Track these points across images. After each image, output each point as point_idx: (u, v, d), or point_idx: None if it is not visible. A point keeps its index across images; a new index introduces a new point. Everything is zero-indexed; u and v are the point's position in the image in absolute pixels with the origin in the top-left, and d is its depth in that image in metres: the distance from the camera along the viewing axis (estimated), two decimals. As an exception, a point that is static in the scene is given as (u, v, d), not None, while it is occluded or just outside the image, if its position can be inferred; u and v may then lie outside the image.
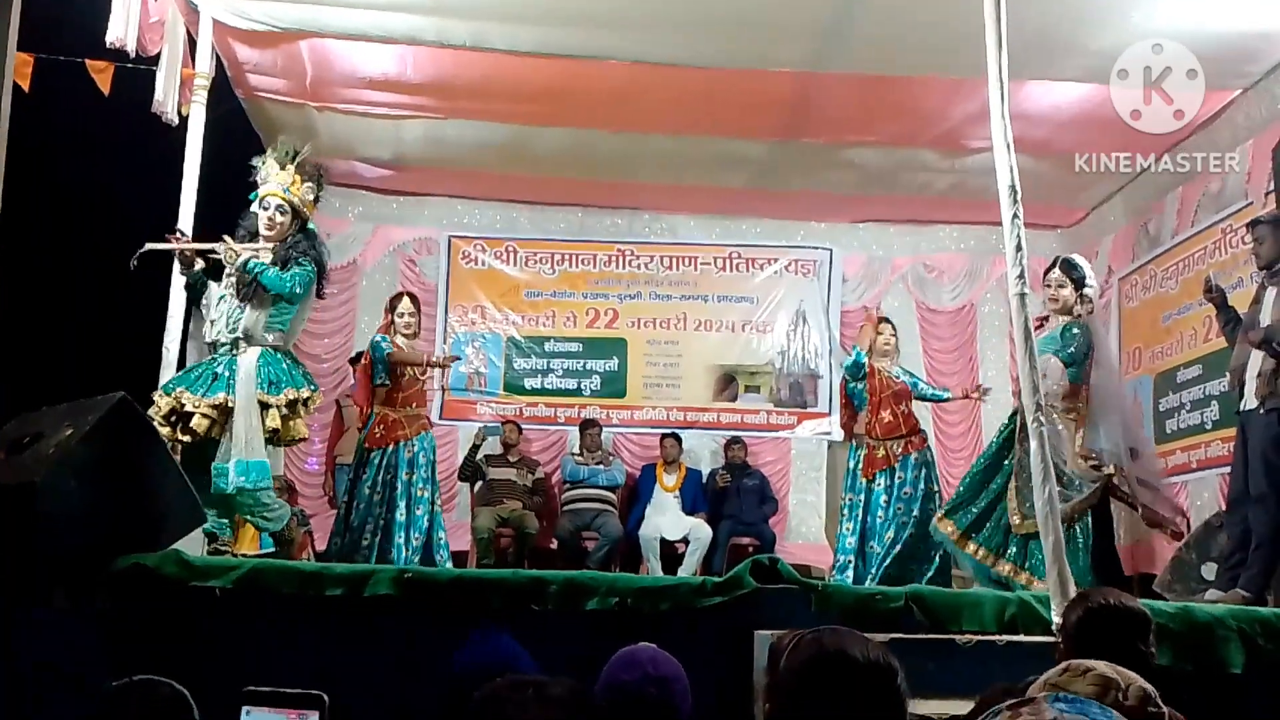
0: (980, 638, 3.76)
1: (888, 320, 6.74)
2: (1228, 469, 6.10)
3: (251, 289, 4.93)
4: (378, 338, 6.12)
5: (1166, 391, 7.35)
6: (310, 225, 5.19)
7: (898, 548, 6.03)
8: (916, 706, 2.60)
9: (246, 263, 4.94)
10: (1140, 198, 7.85)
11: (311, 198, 5.18)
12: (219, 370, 4.88)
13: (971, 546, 5.28)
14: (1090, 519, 5.22)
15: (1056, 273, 5.54)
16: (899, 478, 6.20)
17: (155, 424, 4.52)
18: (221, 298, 5.01)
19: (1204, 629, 3.85)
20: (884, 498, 6.19)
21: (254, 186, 5.17)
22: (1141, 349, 7.80)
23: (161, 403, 4.81)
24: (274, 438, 4.91)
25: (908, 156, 7.80)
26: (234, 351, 4.92)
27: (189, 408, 4.76)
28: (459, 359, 8.22)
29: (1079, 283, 5.48)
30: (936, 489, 6.30)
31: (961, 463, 8.73)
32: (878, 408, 6.36)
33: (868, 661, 1.63)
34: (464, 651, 2.50)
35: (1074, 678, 1.74)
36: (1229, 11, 5.68)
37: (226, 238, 5.03)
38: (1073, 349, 5.33)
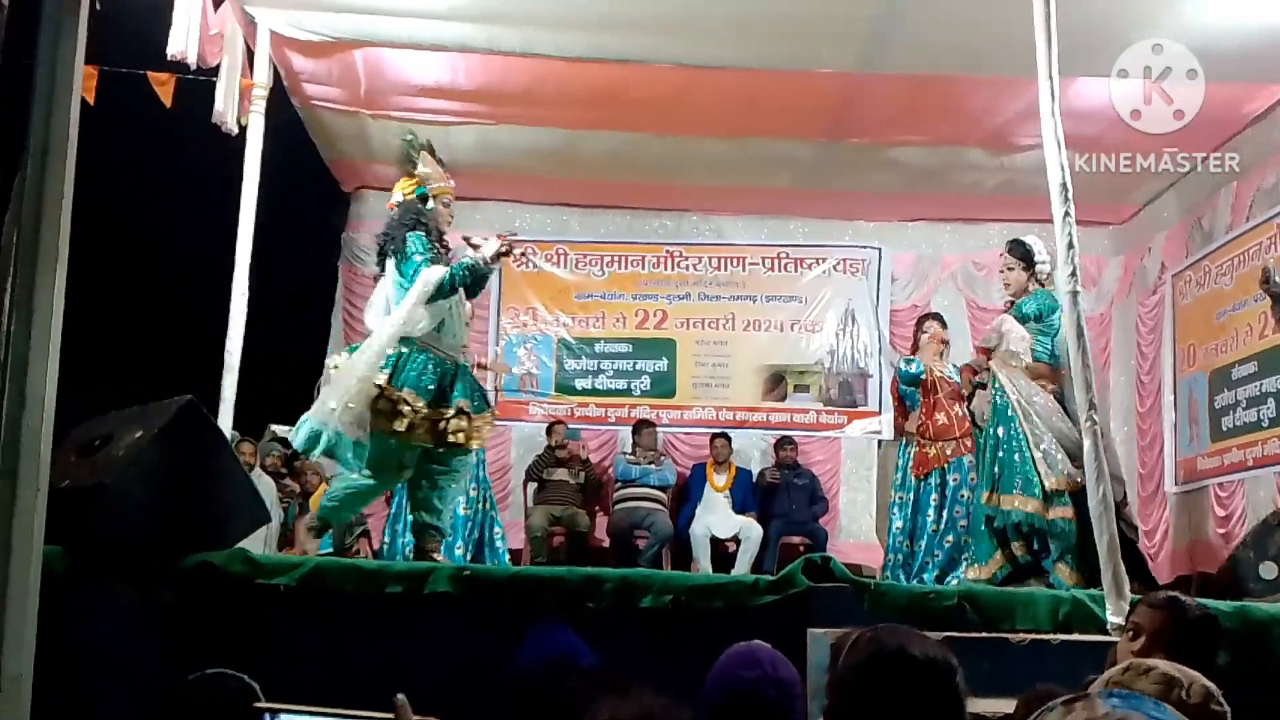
0: (1034, 637, 3.77)
1: (934, 317, 6.71)
2: (1287, 467, 6.04)
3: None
4: None
5: (1221, 389, 7.26)
6: None
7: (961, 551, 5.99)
8: (970, 705, 2.62)
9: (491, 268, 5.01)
10: (1193, 193, 7.75)
11: None
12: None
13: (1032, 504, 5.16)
14: None
15: (1005, 256, 5.54)
16: (952, 479, 6.17)
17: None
18: (459, 301, 4.97)
19: (1261, 629, 3.83)
20: (934, 496, 6.17)
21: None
22: (1196, 346, 7.70)
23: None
24: None
25: (955, 155, 7.77)
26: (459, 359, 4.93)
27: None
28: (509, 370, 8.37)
29: (1027, 260, 5.46)
30: None
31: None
32: (932, 409, 6.35)
33: (927, 659, 1.66)
34: (527, 646, 2.54)
35: (1136, 676, 1.74)
36: (1281, 4, 5.62)
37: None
38: (1028, 308, 5.34)
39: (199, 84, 5.80)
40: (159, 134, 6.53)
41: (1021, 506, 5.14)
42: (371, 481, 4.85)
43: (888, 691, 1.64)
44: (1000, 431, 5.28)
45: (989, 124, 7.10)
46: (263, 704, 1.80)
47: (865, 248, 9.15)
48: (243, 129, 5.92)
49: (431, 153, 5.08)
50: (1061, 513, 5.06)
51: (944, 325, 6.66)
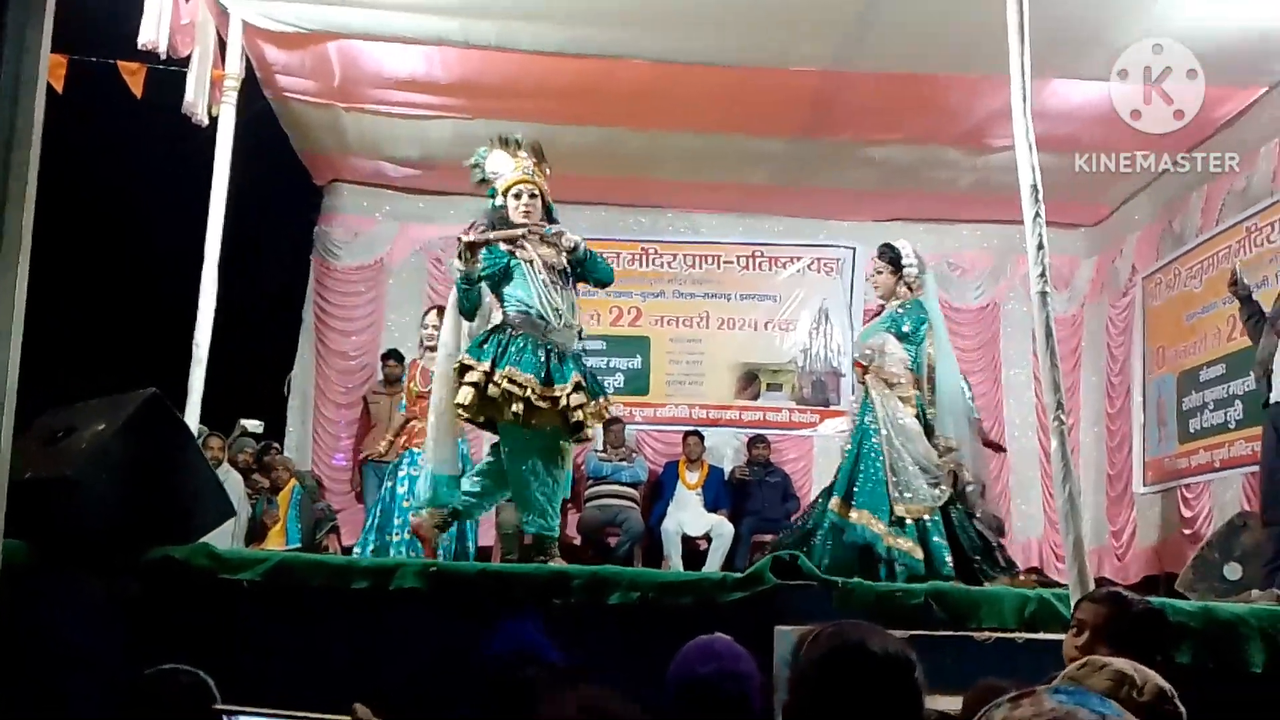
0: (1000, 635, 3.79)
1: None
2: (1252, 468, 6.09)
3: (569, 277, 4.85)
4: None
5: (1190, 390, 7.32)
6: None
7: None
8: (936, 702, 2.63)
9: (578, 248, 4.85)
10: (1165, 195, 7.81)
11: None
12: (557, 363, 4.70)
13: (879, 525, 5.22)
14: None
15: (875, 260, 5.60)
16: None
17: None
18: (547, 285, 4.75)
19: (1225, 628, 3.86)
20: None
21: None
22: (1165, 348, 7.76)
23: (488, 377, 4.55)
24: None
25: (931, 154, 7.80)
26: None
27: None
28: None
29: (895, 264, 5.51)
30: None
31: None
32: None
33: (886, 654, 1.67)
34: (492, 641, 2.53)
35: (1091, 673, 1.75)
36: (1253, 7, 5.66)
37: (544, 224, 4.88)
38: (905, 325, 5.37)
39: (170, 74, 5.74)
40: (130, 124, 6.46)
41: (871, 525, 5.19)
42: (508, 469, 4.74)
43: (847, 686, 1.65)
44: (862, 447, 5.32)
45: (965, 123, 7.12)
46: (221, 706, 1.79)
47: (839, 247, 9.17)
48: (214, 120, 5.86)
49: (506, 144, 4.95)
50: (900, 543, 5.11)
51: None
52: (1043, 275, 4.13)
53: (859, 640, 1.68)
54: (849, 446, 5.45)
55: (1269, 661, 3.79)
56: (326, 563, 3.98)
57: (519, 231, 4.80)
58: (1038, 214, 4.15)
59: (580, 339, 4.98)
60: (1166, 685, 1.71)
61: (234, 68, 5.92)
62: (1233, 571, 5.56)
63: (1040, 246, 4.13)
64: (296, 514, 7.29)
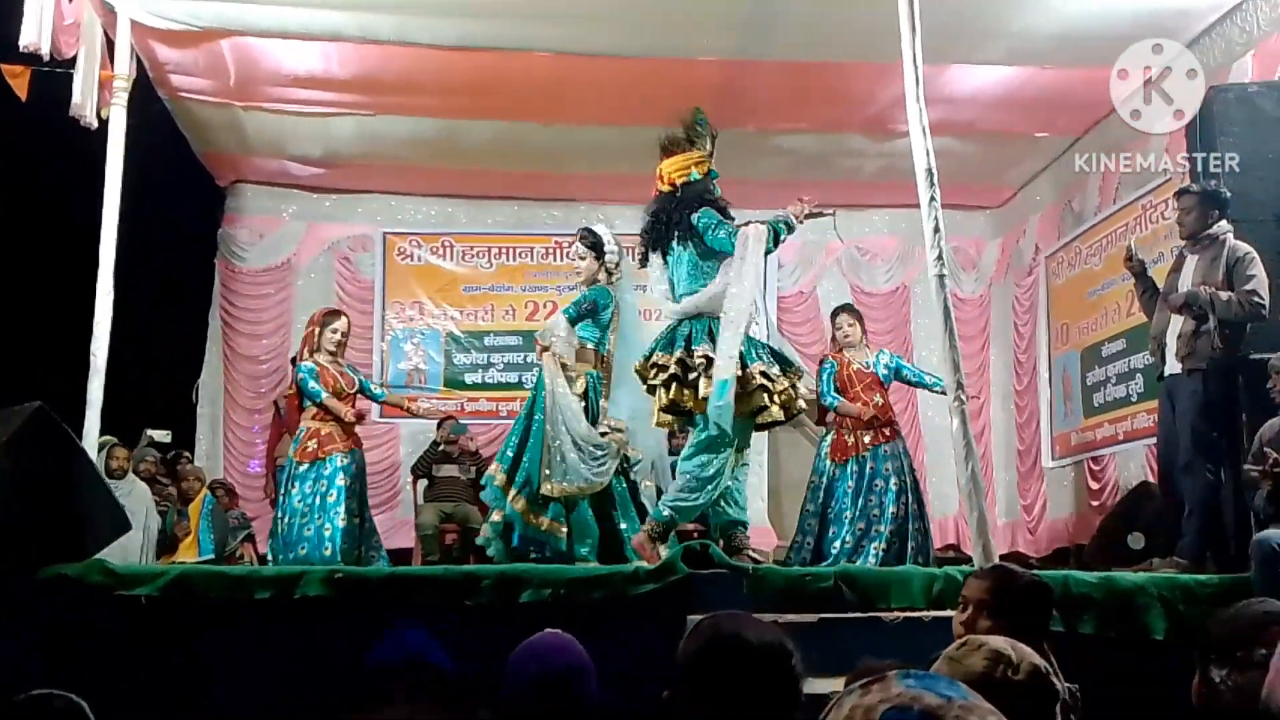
0: (907, 615, 3.84)
1: (846, 310, 6.72)
2: (1153, 440, 6.25)
3: None
4: (304, 370, 6.02)
5: (1093, 365, 7.49)
6: None
7: (889, 543, 6.06)
8: (838, 684, 2.65)
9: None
10: (1065, 176, 7.97)
11: None
12: None
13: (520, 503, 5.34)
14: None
15: (577, 245, 5.81)
16: (870, 468, 6.20)
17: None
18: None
19: (1126, 597, 3.96)
20: (849, 484, 6.19)
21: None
22: (1069, 325, 7.93)
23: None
24: None
25: (837, 142, 7.86)
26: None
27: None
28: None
29: (597, 249, 5.69)
30: (913, 480, 6.35)
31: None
32: (855, 400, 6.31)
33: (762, 644, 1.68)
34: (376, 648, 2.50)
35: (969, 652, 1.76)
36: (1147, -11, 5.79)
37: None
38: (587, 307, 5.54)
39: (60, 76, 5.57)
40: (19, 129, 6.27)
41: (514, 503, 5.29)
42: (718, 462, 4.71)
43: (725, 676, 1.67)
44: (528, 424, 5.44)
45: (868, 109, 7.18)
46: None
47: (752, 235, 9.19)
48: (105, 122, 5.69)
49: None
50: (540, 521, 5.23)
51: (856, 316, 6.68)
52: (940, 259, 4.19)
53: (734, 631, 1.70)
54: (516, 424, 5.56)
55: (1169, 628, 3.90)
56: (227, 574, 3.90)
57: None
58: (933, 198, 4.21)
59: None
60: (1042, 663, 1.72)
61: (123, 68, 5.76)
62: (1136, 541, 5.70)
63: (937, 230, 4.19)
64: (209, 524, 7.12)
